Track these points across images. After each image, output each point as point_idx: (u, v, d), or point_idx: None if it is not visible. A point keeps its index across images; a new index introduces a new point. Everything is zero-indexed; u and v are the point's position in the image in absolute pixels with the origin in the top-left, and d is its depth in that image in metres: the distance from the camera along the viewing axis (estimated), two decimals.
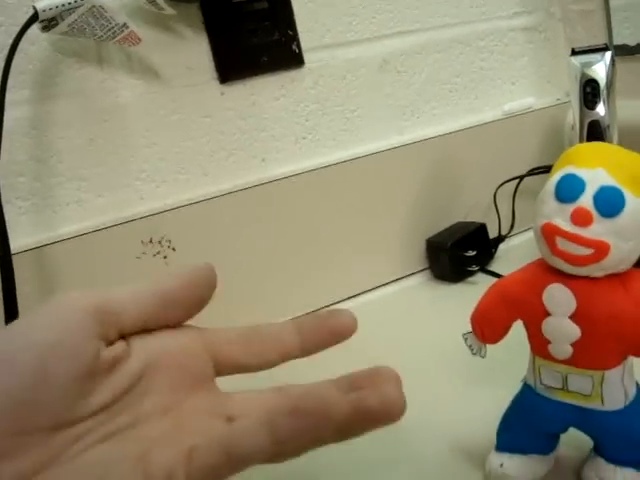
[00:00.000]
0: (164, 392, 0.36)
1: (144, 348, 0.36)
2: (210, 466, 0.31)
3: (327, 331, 0.39)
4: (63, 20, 0.70)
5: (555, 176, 0.43)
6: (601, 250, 0.41)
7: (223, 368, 0.39)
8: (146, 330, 0.37)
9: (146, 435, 0.34)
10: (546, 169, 0.96)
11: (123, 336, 0.36)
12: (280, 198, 0.87)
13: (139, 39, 0.74)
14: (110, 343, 0.34)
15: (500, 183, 1.00)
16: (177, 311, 0.37)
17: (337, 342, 0.39)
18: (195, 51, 0.82)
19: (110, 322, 0.34)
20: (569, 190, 0.42)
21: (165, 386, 0.36)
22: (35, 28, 0.70)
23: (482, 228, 0.97)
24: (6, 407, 0.30)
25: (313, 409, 0.31)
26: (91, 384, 0.33)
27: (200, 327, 0.39)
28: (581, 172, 0.42)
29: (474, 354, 0.51)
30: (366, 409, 0.33)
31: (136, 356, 0.35)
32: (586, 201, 0.41)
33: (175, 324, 0.38)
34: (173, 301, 0.37)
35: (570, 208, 0.41)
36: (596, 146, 0.45)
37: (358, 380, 0.35)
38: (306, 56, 0.89)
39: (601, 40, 0.92)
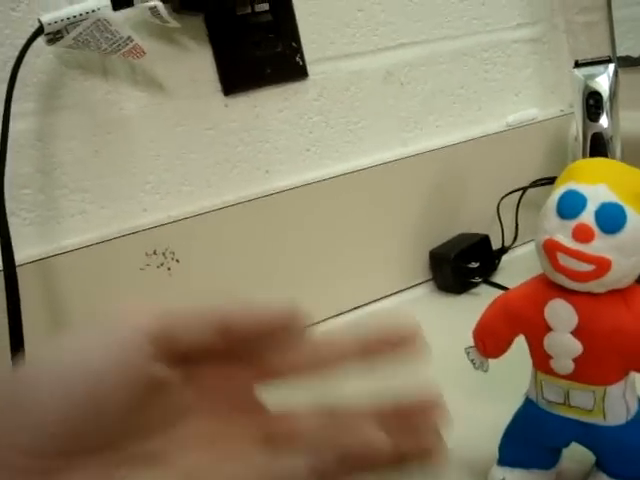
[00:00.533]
0: (207, 418, 0.35)
1: (195, 372, 0.35)
2: None
3: (392, 340, 0.37)
4: (68, 33, 0.70)
5: (557, 192, 0.44)
6: (602, 266, 0.41)
7: (268, 377, 0.37)
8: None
9: (190, 463, 0.33)
10: (550, 180, 0.96)
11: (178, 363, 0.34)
12: (283, 210, 0.87)
13: (143, 52, 0.74)
14: (164, 363, 0.33)
15: (503, 194, 1.00)
16: (238, 346, 0.34)
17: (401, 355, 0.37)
18: (199, 63, 0.83)
19: (168, 348, 0.32)
20: (570, 206, 0.42)
21: (208, 412, 0.35)
22: (40, 41, 0.71)
23: (485, 240, 0.97)
24: (60, 432, 0.29)
25: (359, 456, 0.30)
26: (144, 408, 0.32)
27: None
28: (582, 188, 0.42)
29: (476, 368, 0.51)
30: (406, 460, 0.33)
31: (190, 383, 0.34)
32: (587, 217, 0.41)
33: (233, 353, 0.36)
34: (239, 338, 0.34)
35: (572, 224, 0.41)
36: (598, 162, 0.46)
37: (404, 412, 0.35)
38: (310, 68, 0.89)
39: (604, 52, 0.92)
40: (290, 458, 0.31)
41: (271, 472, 0.30)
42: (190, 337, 0.33)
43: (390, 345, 0.37)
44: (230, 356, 0.35)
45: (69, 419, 0.29)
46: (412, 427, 0.34)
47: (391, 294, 0.97)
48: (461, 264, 0.93)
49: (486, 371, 0.51)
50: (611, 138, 0.81)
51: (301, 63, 0.88)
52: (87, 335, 0.32)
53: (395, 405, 0.35)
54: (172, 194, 0.83)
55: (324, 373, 0.36)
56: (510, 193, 1.00)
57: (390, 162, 0.94)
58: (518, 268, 0.95)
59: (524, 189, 1.00)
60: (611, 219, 0.41)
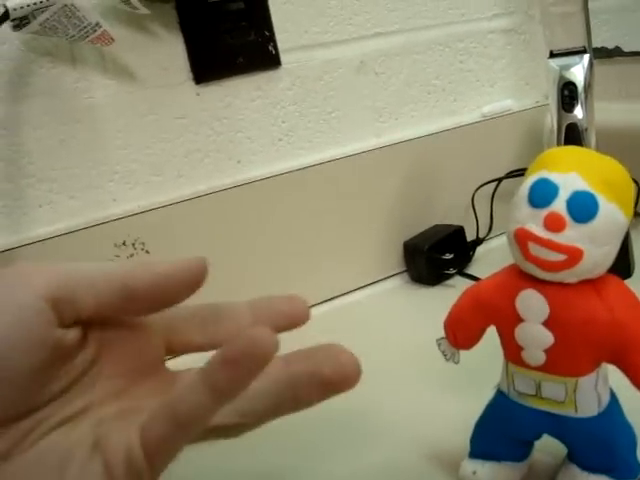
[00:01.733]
0: (116, 377, 0.35)
1: (98, 334, 0.35)
2: (163, 436, 0.30)
3: (281, 316, 0.39)
4: (35, 19, 0.69)
5: (528, 181, 0.43)
6: (574, 256, 0.40)
7: (177, 347, 0.38)
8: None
9: (99, 419, 0.33)
10: (524, 172, 0.96)
11: (78, 322, 0.34)
12: (256, 200, 0.86)
13: (112, 39, 0.73)
14: (65, 327, 0.32)
15: (478, 186, 1.00)
16: (139, 306, 0.35)
17: (290, 328, 0.39)
18: (170, 51, 0.81)
19: (66, 309, 0.32)
20: (542, 195, 0.41)
21: (117, 371, 0.35)
22: (6, 27, 0.69)
23: (460, 231, 0.97)
24: None
25: (243, 352, 0.30)
26: (47, 373, 0.32)
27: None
28: (554, 177, 0.41)
29: (448, 360, 0.50)
30: (320, 373, 0.34)
31: (90, 341, 0.34)
32: (559, 206, 0.40)
33: (135, 316, 0.37)
34: (138, 296, 0.34)
35: (543, 213, 0.41)
36: (569, 150, 0.45)
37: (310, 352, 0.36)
38: (283, 57, 0.88)
39: (580, 43, 0.91)
40: (186, 386, 0.30)
41: (174, 406, 0.30)
42: (92, 299, 0.33)
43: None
44: (137, 315, 0.36)
45: None
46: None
47: (365, 285, 0.96)
48: (435, 255, 0.92)
49: (457, 362, 0.50)
50: (586, 129, 0.81)
51: (274, 52, 0.87)
52: None
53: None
54: (142, 184, 0.82)
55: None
56: (485, 184, 1.00)
57: (364, 152, 0.93)
58: (493, 260, 0.95)
59: (499, 180, 1.00)
60: (583, 208, 0.40)
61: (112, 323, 0.36)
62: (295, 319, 0.39)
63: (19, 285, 0.31)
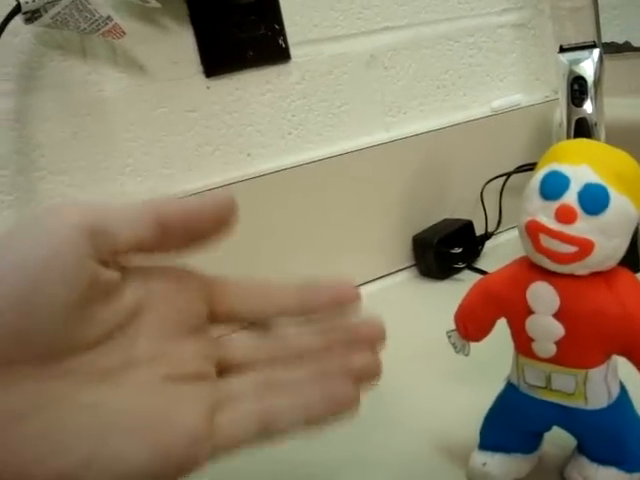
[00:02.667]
0: (156, 336, 0.34)
1: (141, 282, 0.34)
2: (244, 439, 0.33)
3: (328, 300, 0.39)
4: (46, 12, 0.69)
5: (539, 173, 0.43)
6: (585, 248, 0.40)
7: (219, 316, 0.38)
8: (142, 262, 0.34)
9: (145, 383, 0.32)
10: (533, 166, 0.95)
11: (117, 264, 0.33)
12: (265, 193, 0.86)
13: (123, 32, 0.73)
14: (102, 264, 0.31)
15: (487, 180, 1.00)
16: (174, 242, 0.35)
17: (338, 311, 0.39)
18: (180, 45, 0.82)
19: (105, 243, 0.31)
20: (553, 187, 0.41)
21: (158, 330, 0.34)
22: (18, 20, 0.69)
23: (469, 225, 0.97)
24: None
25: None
26: (84, 312, 0.30)
27: (199, 271, 0.38)
28: (565, 169, 0.41)
29: (458, 352, 0.50)
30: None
31: (131, 290, 0.33)
32: (570, 198, 0.40)
33: (175, 252, 0.36)
34: (171, 229, 0.33)
35: (554, 205, 0.41)
36: (581, 143, 0.45)
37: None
38: (292, 51, 0.88)
39: (590, 37, 0.91)
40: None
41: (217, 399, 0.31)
42: (127, 232, 0.32)
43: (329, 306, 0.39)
44: (172, 252, 0.36)
45: (5, 321, 0.28)
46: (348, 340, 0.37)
47: (374, 279, 0.96)
48: (444, 249, 0.92)
49: (467, 355, 0.50)
50: (595, 124, 0.81)
51: (284, 45, 0.87)
52: (21, 233, 0.30)
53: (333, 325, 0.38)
54: (152, 177, 0.82)
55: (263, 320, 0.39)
56: (494, 179, 1.00)
57: (373, 146, 0.93)
58: (501, 254, 0.95)
59: (508, 175, 1.00)
60: (594, 200, 0.40)
61: (154, 273, 0.35)
62: (343, 302, 0.39)
63: (53, 217, 0.30)
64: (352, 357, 0.36)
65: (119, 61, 0.79)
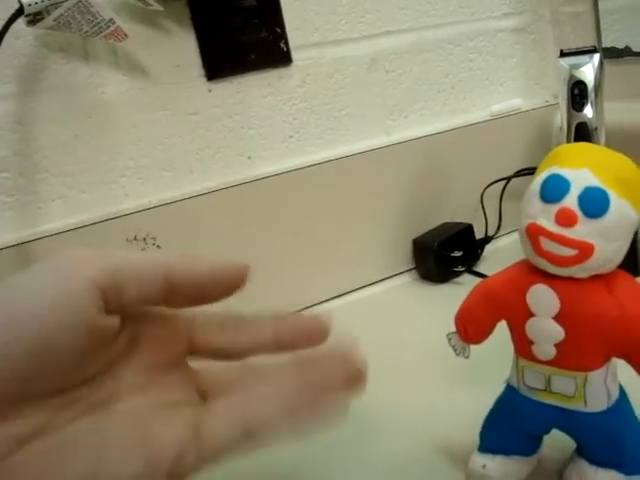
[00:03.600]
0: (142, 370, 0.35)
1: (132, 324, 0.35)
2: (228, 441, 0.32)
3: (303, 335, 0.39)
4: (49, 14, 0.69)
5: (540, 176, 0.43)
6: (585, 251, 0.40)
7: (197, 345, 0.38)
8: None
9: (133, 410, 0.34)
10: (533, 170, 0.96)
11: (119, 311, 0.34)
12: (266, 197, 0.86)
13: (125, 35, 0.73)
14: (109, 314, 0.33)
15: (487, 184, 1.00)
16: (178, 301, 0.36)
17: (310, 346, 0.39)
18: (182, 48, 0.82)
19: (115, 296, 0.32)
20: (554, 190, 0.41)
21: (144, 362, 0.36)
22: (21, 22, 0.70)
23: (469, 229, 0.97)
24: (8, 374, 0.29)
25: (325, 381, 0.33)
26: (87, 357, 0.32)
27: (182, 312, 0.39)
28: (566, 172, 0.42)
29: (458, 354, 0.51)
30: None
31: (125, 331, 0.35)
32: (571, 201, 0.41)
33: (171, 309, 0.37)
34: (179, 292, 0.35)
35: (555, 208, 0.41)
36: (581, 146, 0.45)
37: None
38: (294, 54, 0.89)
39: (590, 42, 0.91)
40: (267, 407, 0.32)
41: (248, 419, 0.32)
42: (136, 289, 0.33)
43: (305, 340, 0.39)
44: (173, 307, 0.37)
45: (16, 361, 0.29)
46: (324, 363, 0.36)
47: (374, 282, 0.96)
48: (444, 253, 0.92)
49: (467, 357, 0.50)
50: (595, 128, 0.81)
51: (285, 49, 0.87)
52: (39, 280, 0.31)
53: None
54: (154, 179, 0.83)
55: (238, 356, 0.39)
56: (494, 183, 1.00)
57: (374, 150, 0.94)
58: (501, 258, 0.94)
59: (508, 179, 1.00)
60: (595, 203, 0.40)
61: (145, 314, 0.36)
62: (315, 339, 0.39)
63: (72, 268, 0.32)
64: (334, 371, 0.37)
65: (121, 64, 0.79)
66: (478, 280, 0.51)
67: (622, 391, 0.47)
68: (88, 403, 0.33)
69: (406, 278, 0.98)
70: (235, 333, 0.39)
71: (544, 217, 0.42)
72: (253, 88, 0.87)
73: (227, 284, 0.36)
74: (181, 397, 0.36)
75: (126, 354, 0.35)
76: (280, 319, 0.39)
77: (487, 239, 1.00)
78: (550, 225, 0.41)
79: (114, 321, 0.33)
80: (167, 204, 0.81)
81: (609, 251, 0.41)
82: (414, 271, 0.99)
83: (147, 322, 0.36)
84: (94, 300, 0.31)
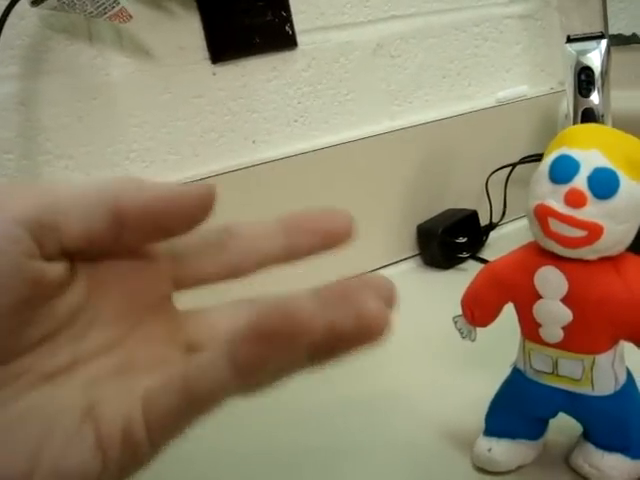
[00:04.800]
0: (111, 323, 0.29)
1: (91, 270, 0.29)
2: (170, 411, 0.26)
3: (319, 233, 0.33)
4: None
5: (549, 157, 0.43)
6: (594, 232, 0.40)
7: (187, 281, 0.32)
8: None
9: (91, 377, 0.28)
10: (538, 157, 0.95)
11: (63, 255, 0.28)
12: (270, 180, 0.86)
13: (130, 16, 0.73)
14: (49, 260, 0.27)
15: (492, 171, 0.99)
16: (132, 235, 0.28)
17: (331, 247, 0.33)
18: (187, 30, 0.81)
19: (52, 238, 0.26)
20: (563, 171, 0.41)
21: (112, 316, 0.29)
22: (24, 2, 0.69)
23: (473, 215, 0.97)
24: None
25: (279, 329, 0.24)
26: (29, 312, 0.26)
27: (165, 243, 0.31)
28: (575, 153, 0.41)
29: (464, 337, 0.50)
30: (339, 330, 0.25)
31: (80, 280, 0.28)
32: (580, 182, 0.40)
33: (129, 247, 0.30)
34: (129, 222, 0.27)
35: (564, 189, 0.41)
36: (591, 128, 0.45)
37: (344, 290, 0.27)
38: (299, 38, 0.88)
39: (597, 29, 0.91)
40: (208, 359, 0.26)
41: (190, 379, 0.26)
42: (77, 224, 0.27)
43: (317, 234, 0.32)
44: (129, 249, 0.30)
45: None
46: (348, 298, 0.26)
47: (378, 268, 0.96)
48: (449, 239, 0.92)
49: (474, 340, 0.50)
50: (602, 115, 0.81)
51: (290, 32, 0.87)
52: None
53: (335, 285, 0.27)
54: (157, 163, 0.82)
55: (242, 273, 0.32)
56: (499, 169, 1.00)
57: (378, 135, 0.93)
58: (506, 244, 0.93)
59: (513, 165, 1.00)
60: (604, 184, 0.40)
61: (107, 257, 0.29)
62: (337, 237, 0.32)
63: None
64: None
65: (125, 45, 0.78)
66: (482, 266, 0.50)
67: (629, 375, 0.47)
68: (40, 373, 0.27)
69: (410, 264, 0.97)
70: (235, 253, 0.32)
71: (553, 198, 0.41)
72: (258, 72, 0.86)
73: (188, 211, 0.28)
74: (158, 353, 0.30)
75: (89, 309, 0.29)
76: (290, 220, 0.33)
77: (492, 226, 1.00)
78: (559, 206, 0.41)
79: (57, 268, 0.27)
80: None
81: (618, 232, 0.41)
82: (418, 257, 0.98)
83: (113, 266, 0.30)
84: (22, 243, 0.25)
